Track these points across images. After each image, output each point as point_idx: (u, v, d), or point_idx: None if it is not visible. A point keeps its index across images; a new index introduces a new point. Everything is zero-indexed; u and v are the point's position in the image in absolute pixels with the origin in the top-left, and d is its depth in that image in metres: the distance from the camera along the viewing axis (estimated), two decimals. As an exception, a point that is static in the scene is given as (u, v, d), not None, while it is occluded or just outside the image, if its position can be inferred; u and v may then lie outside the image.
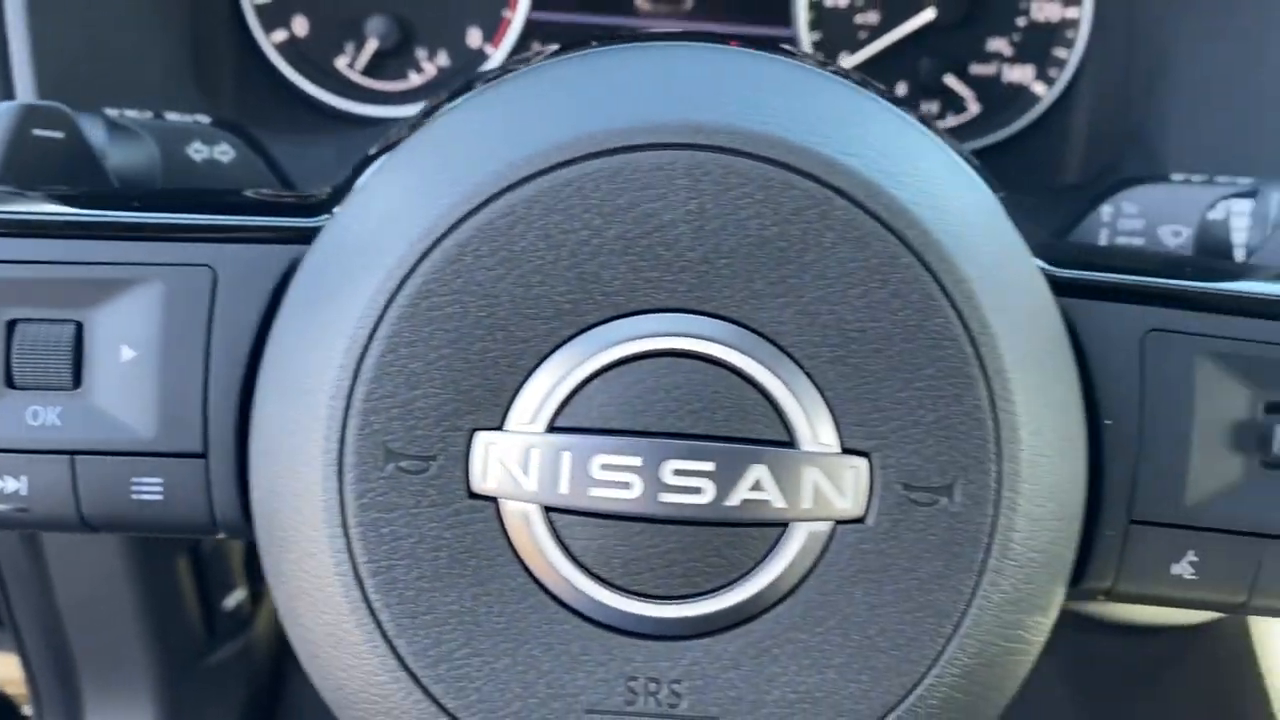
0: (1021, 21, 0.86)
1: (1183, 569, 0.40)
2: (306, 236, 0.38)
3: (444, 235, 0.34)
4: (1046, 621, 0.39)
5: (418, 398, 0.34)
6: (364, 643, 0.34)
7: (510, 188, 0.34)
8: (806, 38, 0.86)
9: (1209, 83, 0.77)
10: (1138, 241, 0.59)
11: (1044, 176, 0.88)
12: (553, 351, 0.34)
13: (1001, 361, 0.34)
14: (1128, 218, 0.60)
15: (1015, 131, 0.87)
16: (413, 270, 0.34)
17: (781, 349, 0.35)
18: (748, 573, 0.35)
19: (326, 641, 0.35)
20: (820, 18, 0.86)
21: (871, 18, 0.86)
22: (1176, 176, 0.59)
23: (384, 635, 0.34)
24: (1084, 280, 0.40)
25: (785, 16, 0.87)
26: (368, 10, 0.85)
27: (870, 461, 0.35)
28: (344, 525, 0.34)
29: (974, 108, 0.87)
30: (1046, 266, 0.40)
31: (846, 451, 0.35)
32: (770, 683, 0.35)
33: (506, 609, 0.35)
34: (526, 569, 0.35)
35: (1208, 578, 0.40)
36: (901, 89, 0.87)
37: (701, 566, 0.35)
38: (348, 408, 0.34)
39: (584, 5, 0.88)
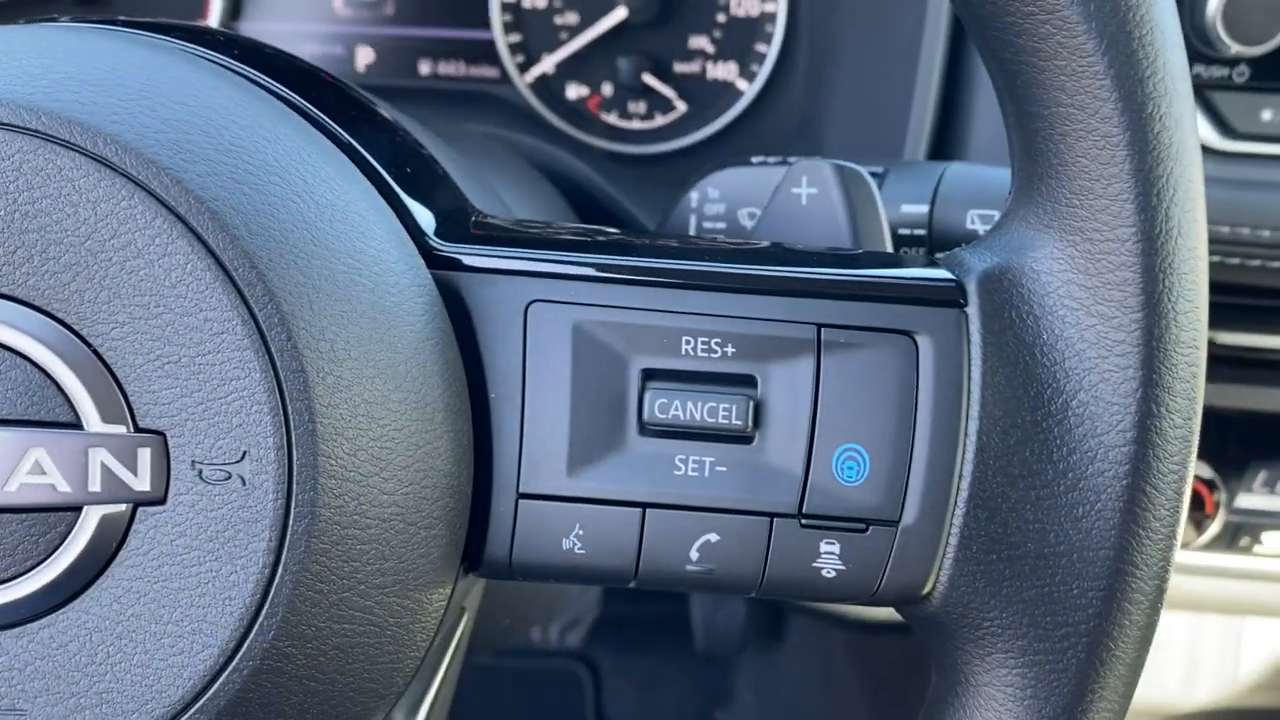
0: (721, 18, 0.86)
1: (572, 543, 0.39)
2: None
3: None
4: (432, 598, 0.39)
5: None
6: None
7: None
8: (503, 40, 0.86)
9: (863, 73, 0.77)
10: (720, 225, 0.59)
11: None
12: None
13: (290, 340, 0.34)
14: (711, 202, 0.59)
15: (722, 127, 0.87)
16: None
17: (70, 330, 0.34)
18: (43, 560, 0.34)
19: None
20: (518, 20, 0.86)
21: (571, 18, 0.86)
22: (755, 160, 0.59)
23: None
24: (466, 255, 0.40)
25: (485, 19, 0.86)
26: None
27: (165, 441, 0.34)
28: None
29: (681, 106, 0.87)
30: (434, 242, 0.40)
31: (141, 431, 0.34)
32: (82, 671, 0.35)
33: None
34: None
35: (595, 551, 0.39)
36: (608, 90, 0.87)
37: (-10, 555, 0.34)
38: None
39: (283, 13, 0.88)
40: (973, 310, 0.38)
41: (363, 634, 0.37)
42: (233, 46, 0.42)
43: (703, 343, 0.39)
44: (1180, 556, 0.86)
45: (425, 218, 0.41)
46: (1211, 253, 0.67)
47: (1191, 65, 0.66)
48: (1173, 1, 0.36)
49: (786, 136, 0.86)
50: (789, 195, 0.49)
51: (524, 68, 0.87)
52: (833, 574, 0.39)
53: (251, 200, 0.35)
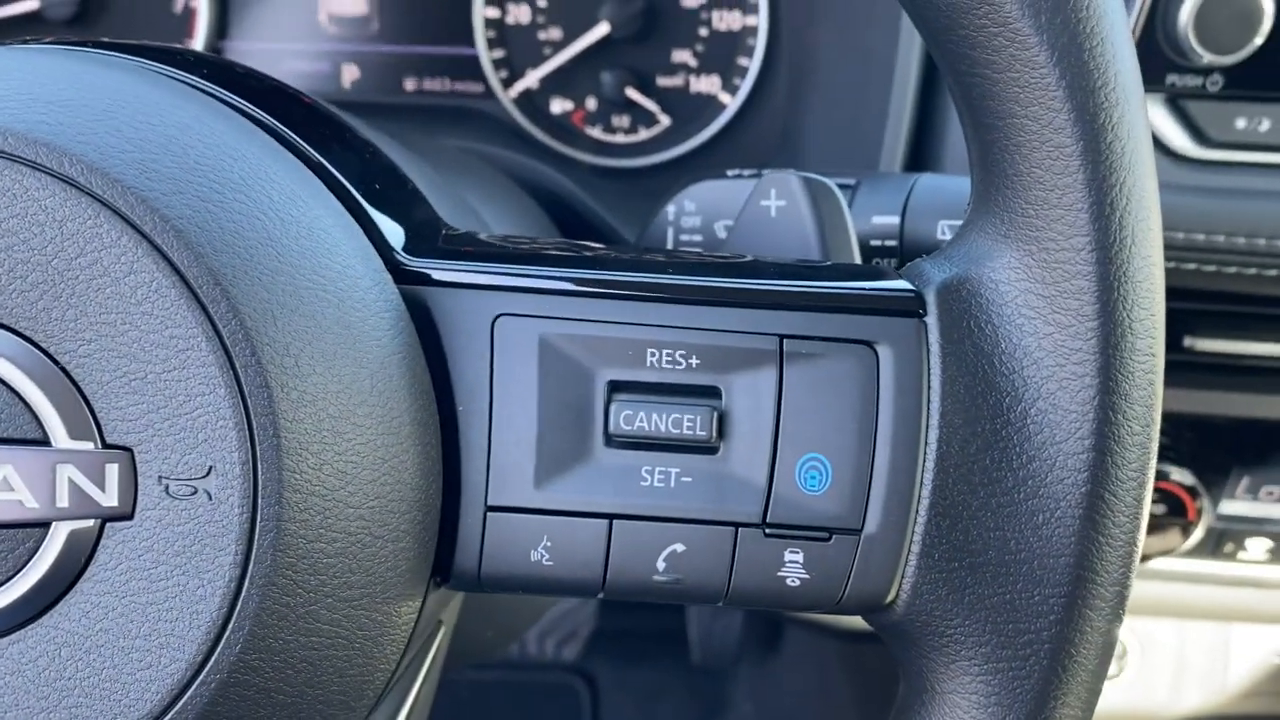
0: (703, 32, 0.87)
1: (540, 554, 0.40)
2: None
3: None
4: (401, 611, 0.39)
5: None
6: None
7: None
8: (487, 56, 0.87)
9: (841, 86, 0.77)
10: (697, 238, 0.60)
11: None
12: None
13: (254, 355, 0.34)
14: (688, 215, 0.60)
15: (706, 140, 0.88)
16: None
17: (37, 347, 0.35)
18: (12, 576, 0.35)
19: None
20: (502, 36, 0.87)
21: (554, 34, 0.87)
22: (731, 173, 0.60)
23: None
24: (434, 270, 0.40)
25: (469, 36, 0.87)
26: None
27: (133, 457, 0.35)
28: None
29: (664, 120, 0.88)
30: (402, 257, 0.40)
31: (109, 447, 0.35)
32: (51, 686, 0.35)
33: None
34: None
35: (562, 562, 0.39)
36: (592, 104, 0.88)
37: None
38: None
39: (269, 32, 0.88)
40: (932, 320, 0.38)
41: (331, 647, 0.37)
42: (202, 66, 0.42)
43: (667, 354, 0.39)
44: (1165, 564, 0.86)
45: (394, 233, 0.41)
46: (1188, 260, 0.68)
47: (1166, 75, 0.67)
48: (1124, 14, 0.37)
49: (768, 149, 0.87)
50: (758, 208, 0.49)
51: (508, 83, 0.87)
52: (797, 583, 0.39)
53: (216, 218, 0.35)
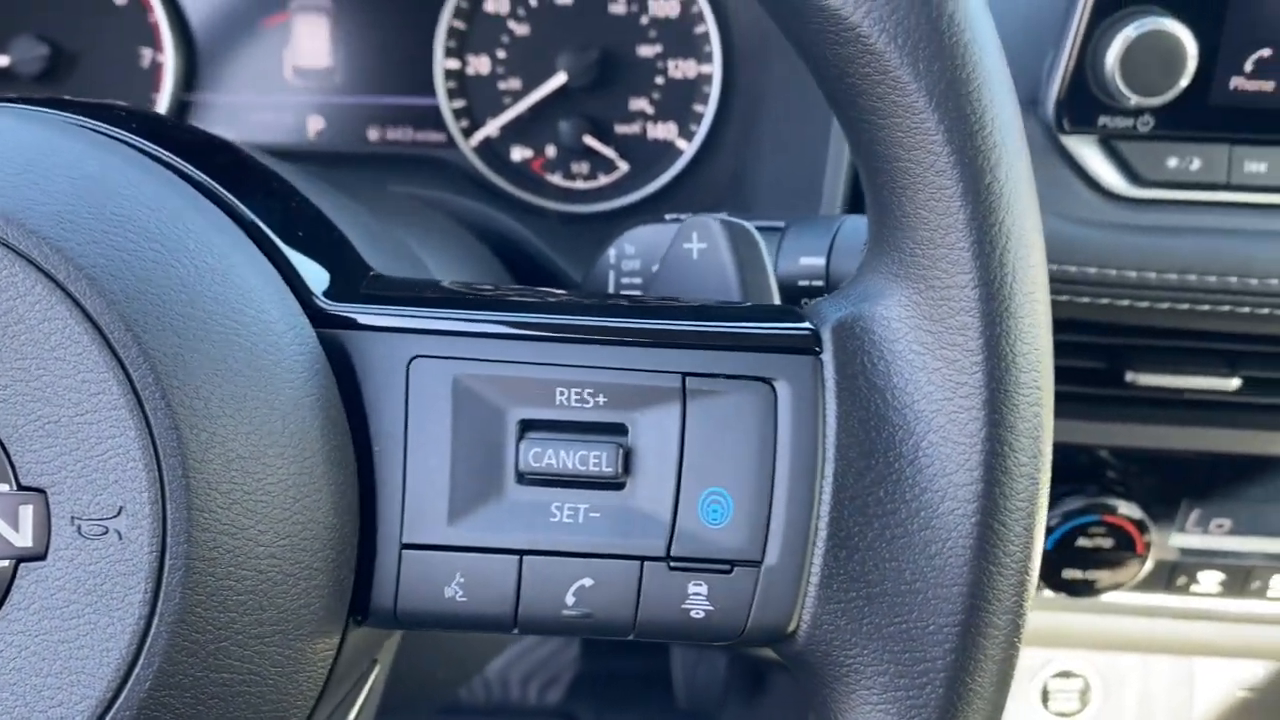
0: (659, 80, 0.89)
1: (454, 591, 0.41)
2: None
3: None
4: (317, 648, 0.40)
5: None
6: None
7: None
8: (447, 106, 0.89)
9: (787, 131, 0.79)
10: (637, 280, 0.61)
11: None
12: None
13: (164, 399, 0.36)
14: (628, 258, 0.61)
15: (663, 185, 0.90)
16: None
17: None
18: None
19: None
20: (463, 86, 0.89)
21: (514, 84, 0.89)
22: (669, 216, 0.61)
23: None
24: (353, 314, 0.41)
25: (430, 87, 0.89)
26: None
27: (46, 498, 0.36)
28: None
29: (623, 166, 0.90)
30: (322, 301, 0.42)
31: (23, 489, 0.36)
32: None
33: None
34: None
35: (475, 598, 0.40)
36: (552, 152, 0.90)
37: None
38: None
39: (235, 85, 0.90)
40: (827, 357, 0.40)
41: (244, 683, 0.38)
42: (132, 121, 0.44)
43: (575, 393, 0.41)
44: (1122, 598, 0.87)
45: (316, 278, 0.43)
46: (1122, 297, 0.69)
47: (1098, 116, 0.69)
48: (1001, 59, 0.38)
49: (722, 193, 0.88)
50: (681, 250, 0.50)
51: (469, 132, 0.89)
52: (701, 614, 0.40)
53: (130, 266, 0.37)
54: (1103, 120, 0.68)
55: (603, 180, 0.90)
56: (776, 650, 0.41)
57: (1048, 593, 0.79)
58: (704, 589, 0.40)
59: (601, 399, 0.40)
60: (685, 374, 0.40)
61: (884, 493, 0.39)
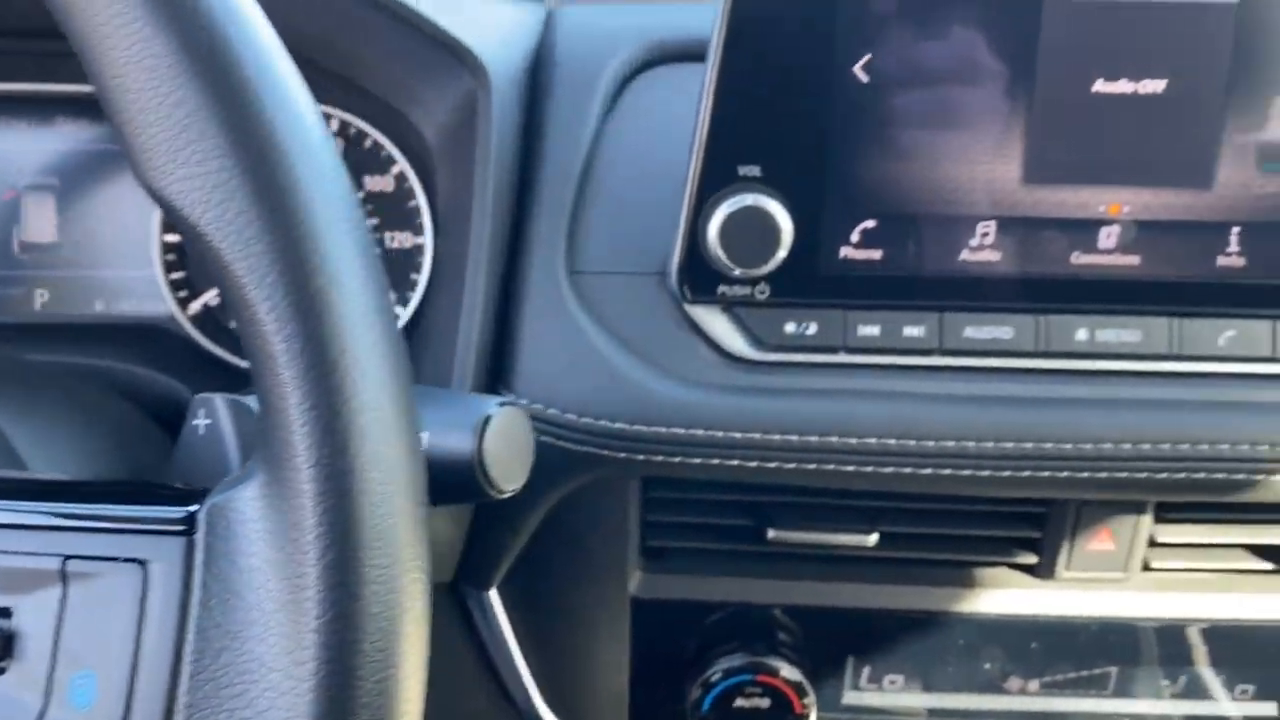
0: (377, 250, 0.92)
1: None
2: None
3: None
4: None
5: None
6: None
7: None
8: (163, 278, 0.91)
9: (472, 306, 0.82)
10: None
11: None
12: None
13: None
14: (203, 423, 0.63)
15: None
16: None
17: None
18: None
19: None
20: (181, 258, 0.92)
21: (234, 256, 0.91)
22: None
23: None
24: None
25: (150, 259, 0.92)
26: None
27: None
28: None
29: (343, 332, 0.92)
30: None
31: None
32: None
33: None
34: None
35: None
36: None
37: None
38: None
39: None
40: (199, 538, 0.41)
41: None
42: None
43: None
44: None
45: None
46: (751, 458, 0.71)
47: (718, 285, 0.71)
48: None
49: (430, 358, 0.91)
50: (191, 426, 0.52)
51: (185, 302, 0.92)
52: None
53: None
54: (722, 289, 0.70)
55: (324, 347, 0.92)
56: None
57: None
58: None
59: None
60: (65, 556, 0.41)
61: (236, 674, 0.39)
